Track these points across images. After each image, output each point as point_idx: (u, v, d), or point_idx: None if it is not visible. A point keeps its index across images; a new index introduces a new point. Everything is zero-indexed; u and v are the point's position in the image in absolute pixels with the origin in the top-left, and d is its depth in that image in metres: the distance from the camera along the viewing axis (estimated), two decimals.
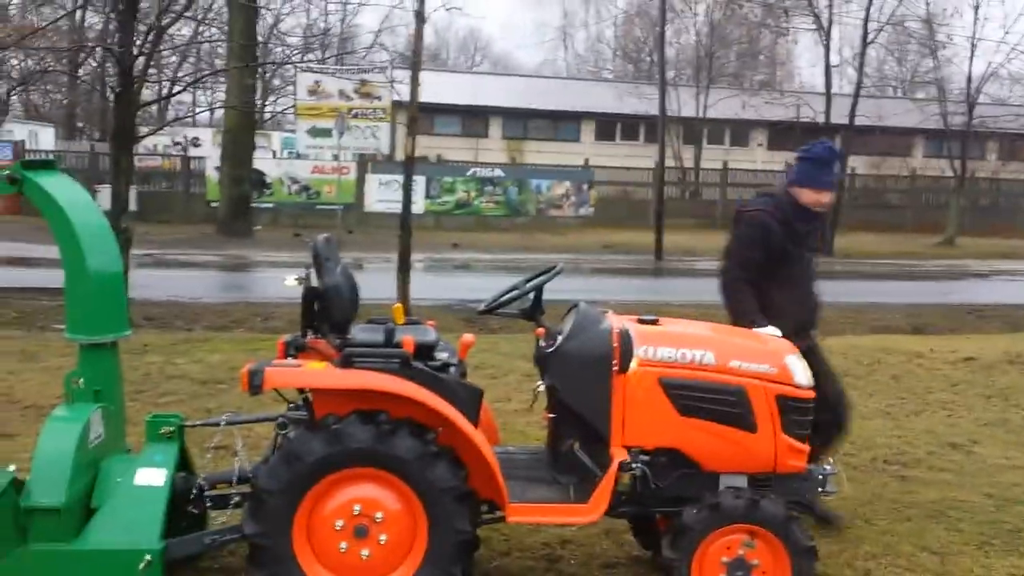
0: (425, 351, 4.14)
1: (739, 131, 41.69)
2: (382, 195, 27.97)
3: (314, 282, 4.25)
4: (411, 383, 3.92)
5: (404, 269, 11.49)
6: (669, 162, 29.87)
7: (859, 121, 24.66)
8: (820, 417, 4.37)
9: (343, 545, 3.87)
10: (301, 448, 3.84)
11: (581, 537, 4.91)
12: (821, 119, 23.05)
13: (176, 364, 8.64)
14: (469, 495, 3.91)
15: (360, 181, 28.58)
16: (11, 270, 14.70)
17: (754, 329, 4.60)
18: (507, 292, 4.41)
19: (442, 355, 4.23)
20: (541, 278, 4.40)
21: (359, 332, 4.22)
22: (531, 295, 4.41)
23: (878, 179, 35.92)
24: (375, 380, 3.89)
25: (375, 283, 11.39)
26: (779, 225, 4.91)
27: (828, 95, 22.77)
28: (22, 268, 15.51)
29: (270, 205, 28.18)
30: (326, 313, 4.24)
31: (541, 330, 4.38)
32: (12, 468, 4.06)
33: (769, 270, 4.91)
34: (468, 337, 4.30)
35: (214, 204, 26.28)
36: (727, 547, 3.95)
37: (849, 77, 37.86)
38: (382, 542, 3.88)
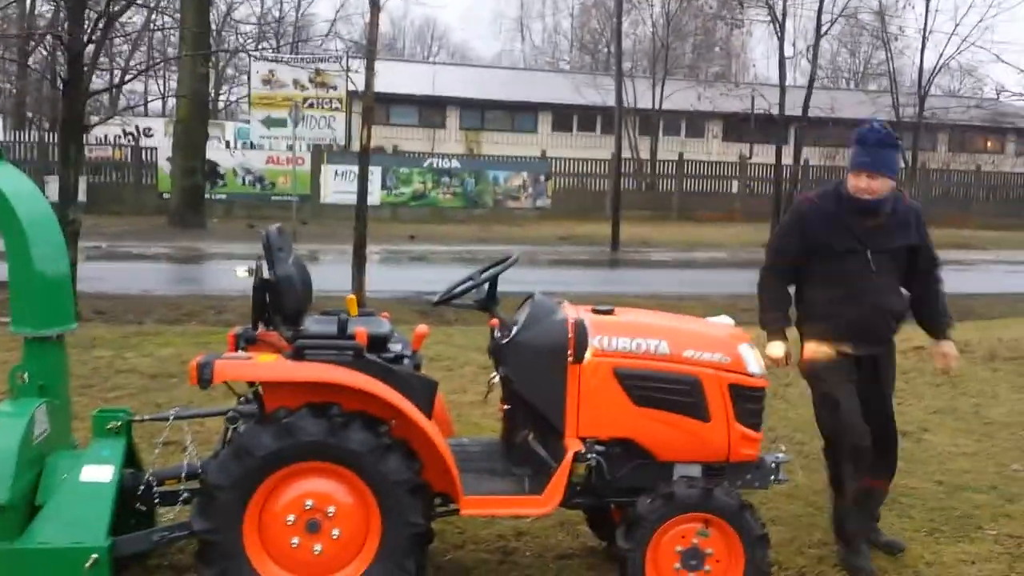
0: (378, 343, 4.09)
1: (695, 122, 41.95)
2: (338, 186, 27.76)
3: (266, 273, 4.18)
4: (364, 375, 3.87)
5: (359, 261, 11.41)
6: (625, 153, 29.98)
7: (812, 113, 24.90)
8: (864, 444, 4.47)
9: (295, 540, 3.82)
10: (251, 442, 3.77)
11: (536, 529, 4.90)
12: (775, 111, 23.24)
13: (125, 358, 8.49)
14: (423, 488, 3.88)
15: (315, 172, 28.34)
16: None
17: (708, 319, 4.57)
18: (461, 283, 4.38)
19: (396, 347, 4.19)
20: (495, 268, 4.38)
21: (311, 324, 4.17)
22: (485, 286, 4.39)
23: (830, 171, 36.37)
24: (327, 372, 3.84)
25: (330, 275, 11.30)
26: (821, 215, 4.53)
27: (782, 87, 22.95)
28: None
29: (224, 196, 27.85)
30: (278, 305, 4.18)
31: (495, 321, 4.35)
32: None
33: (808, 265, 4.61)
34: (422, 328, 4.27)
35: (166, 195, 25.92)
36: (681, 536, 3.96)
37: (803, 69, 38.27)
38: (335, 536, 3.83)
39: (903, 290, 4.70)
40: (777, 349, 4.61)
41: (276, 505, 3.82)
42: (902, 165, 5.23)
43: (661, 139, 38.52)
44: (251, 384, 4.19)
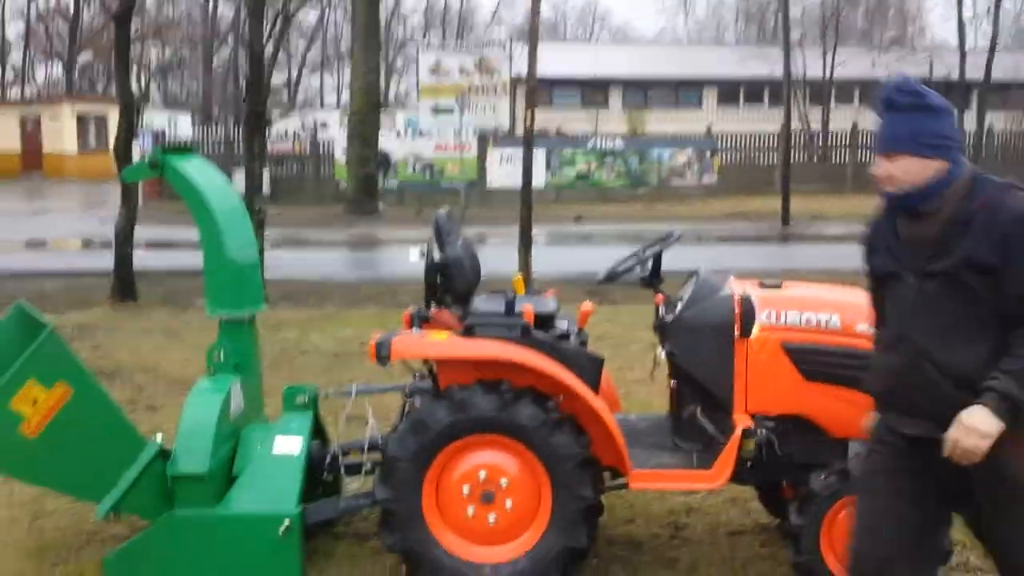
0: (545, 320, 4.19)
1: (869, 91, 40.17)
2: (504, 170, 28.08)
3: (436, 256, 4.35)
4: (532, 352, 3.98)
5: (526, 242, 11.57)
6: (795, 125, 29.07)
7: (995, 77, 23.44)
8: None
9: (470, 510, 3.98)
10: (428, 417, 3.95)
11: (707, 505, 4.91)
12: (955, 75, 22.01)
13: (309, 339, 8.96)
14: (591, 462, 3.96)
15: (482, 157, 28.80)
16: (155, 252, 15.43)
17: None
18: (626, 261, 4.42)
19: (562, 324, 4.27)
20: (659, 245, 4.39)
21: (480, 303, 4.31)
22: (649, 263, 4.41)
23: (1018, 137, 34.15)
24: (497, 349, 3.96)
25: (498, 258, 11.49)
26: (875, 226, 3.07)
27: (962, 51, 21.74)
28: (165, 250, 16.26)
29: (395, 185, 28.71)
30: (448, 285, 4.34)
31: (660, 298, 4.37)
32: (159, 438, 4.31)
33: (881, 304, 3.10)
34: (587, 305, 4.33)
35: (343, 185, 26.96)
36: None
37: (984, 31, 36.04)
38: (508, 507, 3.97)
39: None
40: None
41: (452, 476, 3.98)
42: (954, 137, 2.88)
43: (833, 109, 37.13)
44: (425, 361, 4.37)
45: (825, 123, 36.17)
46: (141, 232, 11.81)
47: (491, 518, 3.98)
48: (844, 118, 35.47)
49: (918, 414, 2.85)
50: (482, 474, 3.96)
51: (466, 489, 3.97)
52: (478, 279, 4.54)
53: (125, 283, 11.15)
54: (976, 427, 2.67)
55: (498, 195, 26.75)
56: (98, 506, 4.15)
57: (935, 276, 2.81)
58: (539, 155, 26.19)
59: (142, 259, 12.07)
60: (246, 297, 4.73)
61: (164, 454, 4.25)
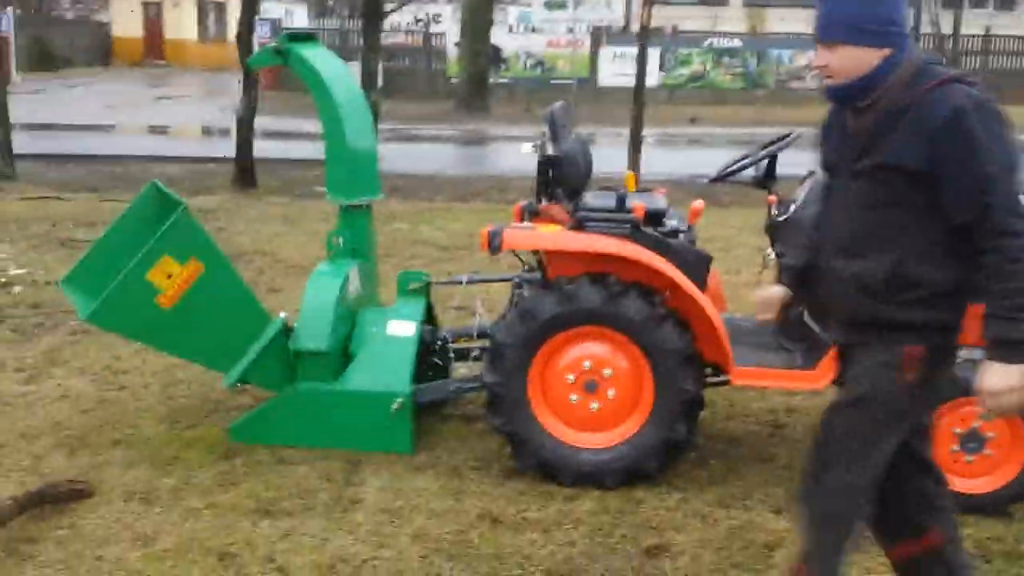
0: (655, 217, 4.23)
1: None
2: (616, 68, 27.64)
3: (549, 149, 4.41)
4: (640, 247, 4.04)
5: (636, 142, 11.49)
6: (925, 29, 27.67)
7: None
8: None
9: (574, 397, 4.12)
10: (536, 307, 4.07)
11: (807, 406, 4.95)
12: None
13: (420, 231, 9.18)
14: (694, 357, 4.04)
15: (594, 55, 28.35)
16: (272, 142, 15.82)
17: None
18: (740, 160, 4.40)
19: (671, 222, 4.31)
20: (775, 145, 4.36)
21: (591, 198, 4.37)
22: (764, 163, 4.39)
23: None
24: (606, 244, 4.04)
25: (606, 158, 11.39)
26: (835, 120, 2.79)
27: None
28: (281, 141, 16.65)
29: (506, 80, 28.55)
30: (561, 178, 4.41)
31: (773, 198, 4.36)
32: (283, 315, 4.55)
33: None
34: (698, 203, 4.35)
35: (454, 80, 26.94)
36: (961, 419, 3.89)
37: None
38: (610, 397, 4.10)
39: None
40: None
41: (558, 364, 4.12)
42: (898, 22, 2.56)
43: (966, 13, 35.11)
44: (535, 253, 4.48)
45: (956, 27, 34.30)
46: (258, 122, 12.12)
47: (593, 406, 4.12)
48: (977, 23, 33.58)
49: (825, 315, 2.85)
50: (586, 364, 4.09)
51: (570, 378, 4.11)
52: (590, 175, 4.59)
53: (246, 170, 11.53)
54: (996, 388, 2.47)
55: (609, 94, 26.40)
56: (225, 376, 4.44)
57: (861, 175, 2.61)
58: (653, 53, 25.62)
59: (260, 148, 12.42)
60: (364, 185, 4.90)
61: (287, 331, 4.50)
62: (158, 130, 20.19)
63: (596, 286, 4.02)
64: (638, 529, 3.76)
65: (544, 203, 4.55)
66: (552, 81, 28.29)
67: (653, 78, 27.22)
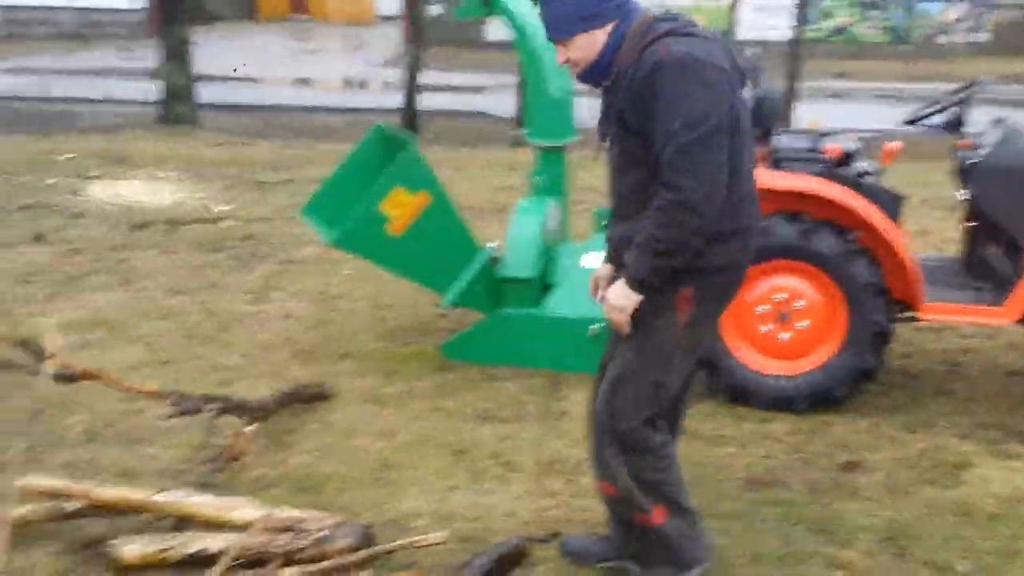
0: (848, 158, 4.46)
1: None
2: (757, 20, 27.24)
3: (746, 92, 4.66)
4: (835, 186, 4.29)
5: (789, 96, 11.51)
6: None
7: None
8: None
9: (766, 327, 4.42)
10: None
11: (984, 348, 5.13)
12: None
13: (594, 173, 9.49)
14: (885, 291, 4.28)
15: (734, 5, 27.95)
16: (427, 95, 16.37)
17: None
18: (931, 105, 4.58)
19: (863, 164, 4.53)
20: (965, 91, 4.52)
21: (784, 138, 4.62)
22: (952, 109, 4.56)
23: None
24: (804, 182, 4.30)
25: None
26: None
27: None
28: (436, 93, 17.19)
29: None
30: (756, 120, 4.65)
31: (964, 142, 4.53)
32: (492, 246, 4.97)
33: None
34: (892, 144, 4.54)
35: None
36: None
37: None
38: (801, 328, 4.38)
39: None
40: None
41: (751, 296, 4.42)
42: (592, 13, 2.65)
43: None
44: None
45: None
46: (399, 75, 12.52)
47: (784, 336, 4.41)
48: None
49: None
50: (779, 296, 4.38)
51: (764, 308, 4.41)
52: (778, 115, 4.83)
53: (411, 120, 12.06)
54: (610, 301, 2.74)
55: (748, 47, 26.03)
56: (442, 297, 4.90)
57: (614, 142, 2.77)
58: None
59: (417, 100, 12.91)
60: (562, 128, 5.25)
61: (494, 260, 4.92)
62: (308, 82, 20.98)
63: (791, 223, 4.29)
64: (832, 447, 4.06)
65: None
66: None
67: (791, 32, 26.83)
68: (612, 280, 2.89)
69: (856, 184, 4.33)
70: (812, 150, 4.44)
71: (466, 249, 4.89)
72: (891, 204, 4.37)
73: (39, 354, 3.50)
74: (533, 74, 5.16)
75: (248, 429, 3.84)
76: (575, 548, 3.25)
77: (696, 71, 2.54)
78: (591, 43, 2.68)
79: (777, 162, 4.39)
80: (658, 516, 2.93)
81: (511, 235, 4.96)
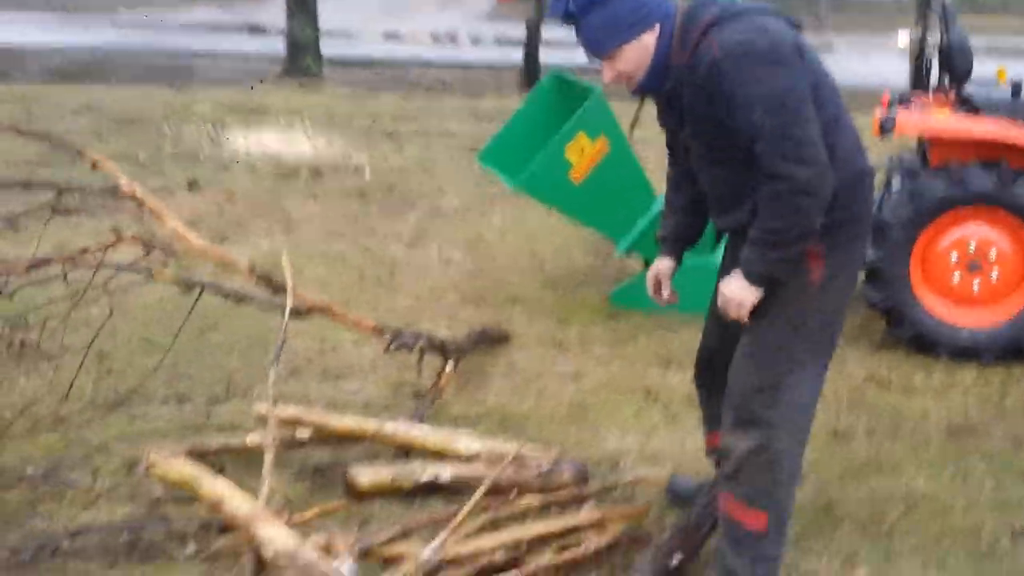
0: None
1: None
2: None
3: (942, 38, 4.56)
4: None
5: (918, 50, 11.17)
6: None
7: None
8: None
9: (956, 276, 4.36)
10: (925, 188, 4.30)
11: None
12: None
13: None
14: None
15: None
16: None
17: None
18: None
19: None
20: None
21: (982, 88, 4.52)
22: None
23: None
24: (1004, 130, 4.20)
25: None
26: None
27: None
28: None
29: None
30: (951, 67, 4.57)
31: None
32: None
33: None
34: None
35: None
36: None
37: None
38: (993, 277, 4.31)
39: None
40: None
41: (940, 244, 4.35)
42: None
43: None
44: (882, 136, 4.61)
45: None
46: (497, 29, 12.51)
47: (975, 285, 4.34)
48: None
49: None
50: (972, 245, 4.31)
51: (954, 257, 4.34)
52: (971, 65, 4.71)
53: (532, 74, 12.07)
54: (728, 296, 2.56)
55: (852, 5, 25.30)
56: (617, 244, 4.94)
57: (685, 136, 2.62)
58: None
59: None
60: None
61: None
62: (403, 37, 21.01)
63: (988, 171, 4.20)
64: None
65: (917, 93, 4.72)
66: None
67: None
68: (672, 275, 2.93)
69: None
70: (1016, 96, 4.34)
71: (643, 197, 4.90)
72: None
73: (275, 288, 3.62)
74: None
75: (449, 368, 3.94)
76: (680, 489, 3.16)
77: (755, 55, 2.36)
78: (642, 50, 2.48)
79: (976, 109, 4.30)
80: (757, 522, 2.62)
81: None
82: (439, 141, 8.90)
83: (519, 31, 13.29)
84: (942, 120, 4.37)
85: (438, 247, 5.94)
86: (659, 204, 4.90)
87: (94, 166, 3.86)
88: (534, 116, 5.04)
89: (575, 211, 4.87)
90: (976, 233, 4.31)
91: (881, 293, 4.42)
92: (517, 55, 12.94)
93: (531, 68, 12.06)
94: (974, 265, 4.32)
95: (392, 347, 3.77)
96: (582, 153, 4.63)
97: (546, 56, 12.52)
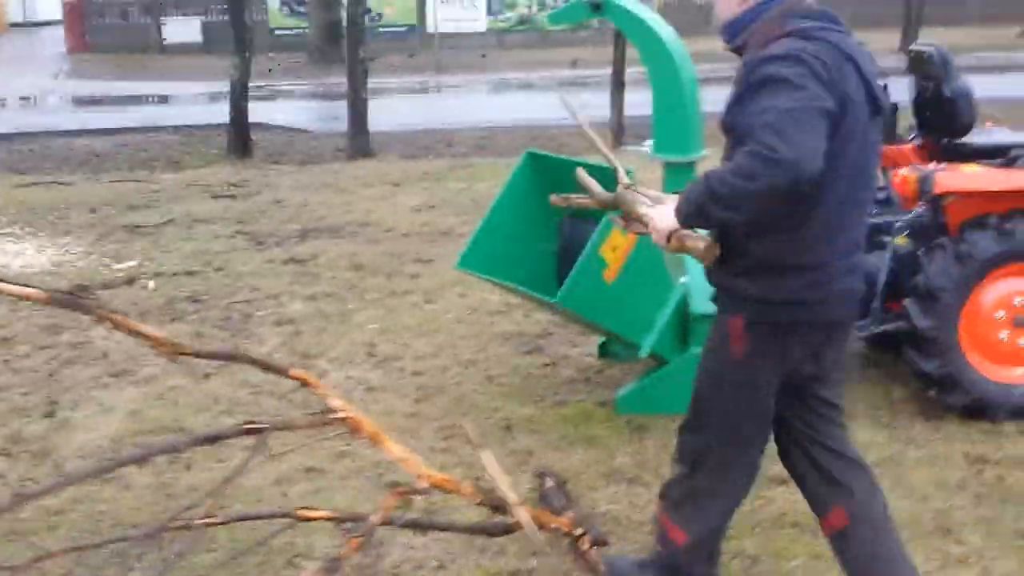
0: None
1: None
2: (446, 14, 27.17)
3: (942, 89, 4.39)
4: None
5: (618, 84, 11.40)
6: None
7: None
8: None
9: (1002, 334, 4.20)
10: (973, 247, 4.07)
11: None
12: None
13: (477, 189, 8.83)
14: None
15: (421, 1, 27.76)
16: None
17: None
18: None
19: None
20: None
21: (980, 135, 4.43)
22: None
23: None
24: None
25: (462, 107, 10.96)
26: None
27: None
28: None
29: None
30: (951, 118, 4.41)
31: None
32: (684, 279, 4.30)
33: None
34: None
35: (278, 33, 25.58)
36: None
37: None
38: None
39: None
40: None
41: (986, 302, 4.17)
42: None
43: None
44: (921, 197, 4.41)
45: None
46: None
47: (1022, 341, 4.21)
48: None
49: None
50: (1018, 300, 4.17)
51: (1000, 314, 4.18)
52: (974, 117, 4.57)
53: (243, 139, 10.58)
54: (652, 217, 2.55)
55: (440, 40, 25.62)
56: (640, 346, 4.20)
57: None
58: None
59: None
60: (691, 142, 4.67)
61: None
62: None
63: None
64: None
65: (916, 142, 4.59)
66: (380, 29, 27.41)
67: (481, 23, 27.16)
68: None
69: None
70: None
71: (664, 287, 4.21)
72: None
73: None
74: (664, 80, 4.52)
75: None
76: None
77: (789, 78, 2.33)
78: (727, 1, 2.62)
79: (1014, 159, 4.18)
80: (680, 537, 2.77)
81: (694, 266, 4.32)
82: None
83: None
84: (985, 176, 4.19)
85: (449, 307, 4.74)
86: (678, 293, 4.26)
87: None
88: (517, 205, 4.14)
89: (601, 316, 4.09)
90: (1022, 288, 4.18)
91: (935, 362, 4.13)
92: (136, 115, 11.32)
93: (241, 130, 10.59)
94: (1021, 320, 4.19)
95: None
96: (614, 251, 3.86)
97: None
